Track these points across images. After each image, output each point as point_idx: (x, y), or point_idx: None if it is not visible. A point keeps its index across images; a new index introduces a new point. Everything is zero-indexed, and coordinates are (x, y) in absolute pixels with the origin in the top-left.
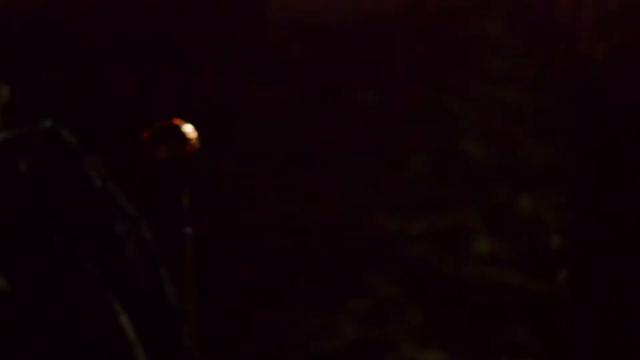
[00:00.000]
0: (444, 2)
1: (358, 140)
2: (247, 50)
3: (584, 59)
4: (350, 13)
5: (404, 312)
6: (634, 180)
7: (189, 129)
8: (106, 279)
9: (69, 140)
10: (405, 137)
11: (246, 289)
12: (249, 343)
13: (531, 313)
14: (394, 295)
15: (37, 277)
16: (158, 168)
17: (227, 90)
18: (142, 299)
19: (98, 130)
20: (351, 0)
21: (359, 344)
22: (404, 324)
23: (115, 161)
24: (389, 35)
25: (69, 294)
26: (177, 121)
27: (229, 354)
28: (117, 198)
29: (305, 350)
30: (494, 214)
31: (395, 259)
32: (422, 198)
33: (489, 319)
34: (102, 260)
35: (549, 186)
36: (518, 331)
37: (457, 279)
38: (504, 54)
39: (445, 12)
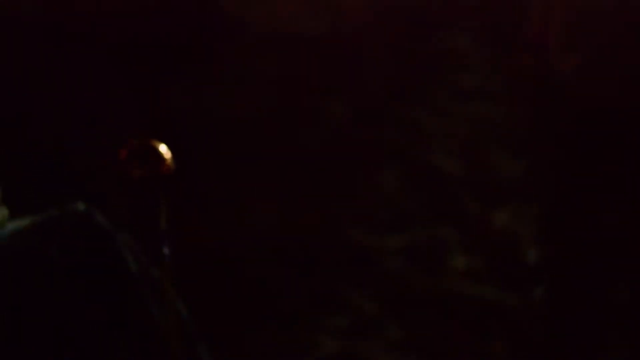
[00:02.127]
0: (415, 17)
1: (331, 156)
2: (219, 62)
3: (553, 71)
4: (320, 28)
5: (382, 327)
6: (607, 191)
7: (164, 149)
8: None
9: (103, 223)
10: (379, 152)
11: (225, 306)
12: (228, 359)
13: (507, 326)
14: (372, 311)
15: None
16: (134, 187)
17: (200, 104)
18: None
19: (71, 147)
20: (322, 15)
21: None
22: (383, 338)
23: (91, 180)
24: (360, 51)
25: None
26: (152, 141)
27: None
28: (151, 276)
29: None
30: (469, 229)
31: (372, 274)
32: (397, 213)
33: (465, 333)
34: (137, 341)
35: (524, 200)
36: (495, 345)
37: (434, 294)
38: (475, 68)
39: (415, 27)
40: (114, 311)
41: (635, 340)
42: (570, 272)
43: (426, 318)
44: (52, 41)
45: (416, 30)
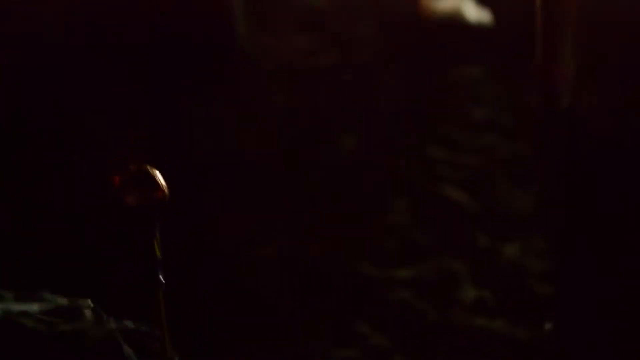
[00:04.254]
0: (426, 50)
1: (340, 186)
2: (227, 93)
3: (567, 108)
4: (332, 59)
5: (391, 359)
6: (618, 226)
7: (159, 175)
8: None
9: (109, 323)
10: (388, 183)
11: (230, 338)
12: None
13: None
14: (381, 343)
15: None
16: (128, 214)
17: (207, 134)
18: None
19: (67, 172)
20: (333, 47)
21: None
22: None
23: (84, 205)
24: (371, 82)
25: None
26: (148, 167)
27: None
28: None
29: None
30: (478, 261)
31: (381, 306)
32: (406, 245)
33: None
34: None
35: (533, 232)
36: None
37: (443, 327)
38: (485, 100)
39: (426, 59)
40: None
41: None
42: (580, 306)
43: (435, 351)
44: (53, 61)
45: (427, 63)
